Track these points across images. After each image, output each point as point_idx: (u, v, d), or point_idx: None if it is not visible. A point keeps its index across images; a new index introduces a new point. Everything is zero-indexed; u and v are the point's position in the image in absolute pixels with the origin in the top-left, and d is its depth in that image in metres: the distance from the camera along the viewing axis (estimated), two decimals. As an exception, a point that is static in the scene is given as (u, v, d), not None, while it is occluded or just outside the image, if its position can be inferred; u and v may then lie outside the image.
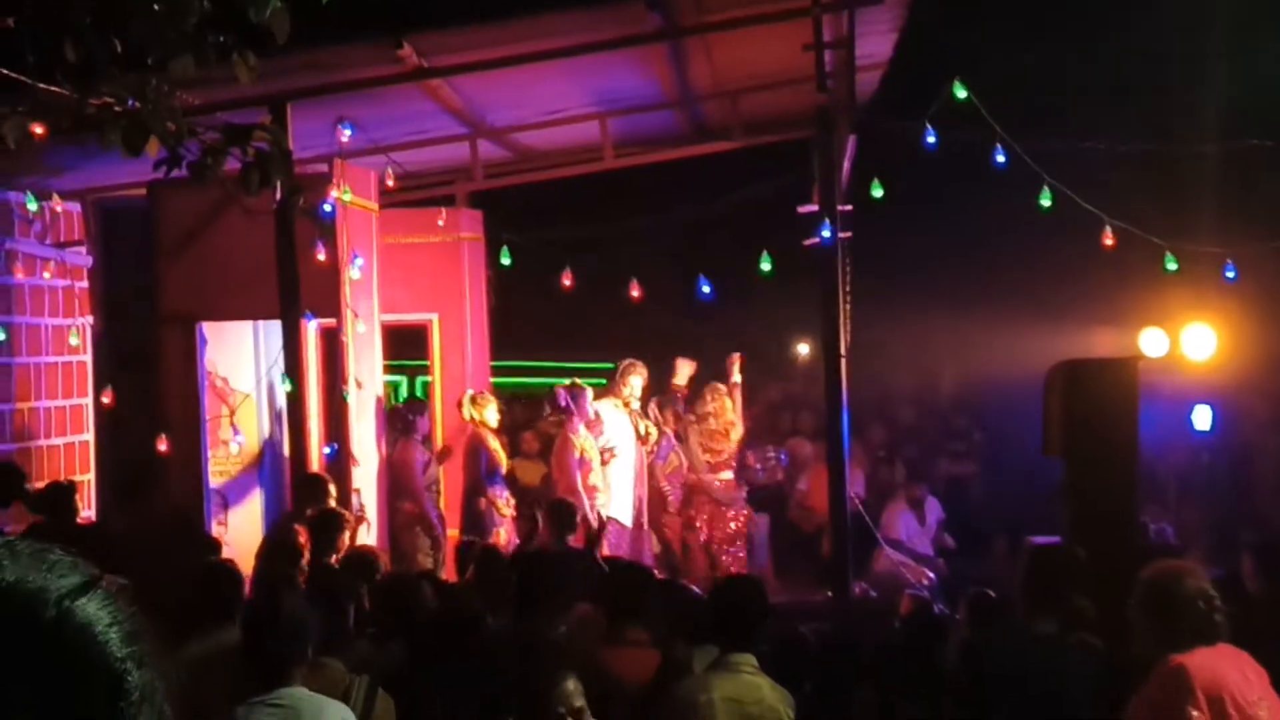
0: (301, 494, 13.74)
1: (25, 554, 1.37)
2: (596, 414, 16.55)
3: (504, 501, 16.46)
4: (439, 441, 17.48)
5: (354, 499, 14.38)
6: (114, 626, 1.37)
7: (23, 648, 1.31)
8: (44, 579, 1.36)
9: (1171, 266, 14.83)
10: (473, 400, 16.72)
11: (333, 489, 13.53)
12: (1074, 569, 8.42)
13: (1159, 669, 6.68)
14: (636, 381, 16.98)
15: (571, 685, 6.34)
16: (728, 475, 17.30)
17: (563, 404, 16.57)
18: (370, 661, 8.01)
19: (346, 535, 12.07)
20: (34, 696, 1.29)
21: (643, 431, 16.87)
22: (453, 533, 16.36)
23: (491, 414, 16.79)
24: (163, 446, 14.33)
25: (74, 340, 15.89)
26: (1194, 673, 6.55)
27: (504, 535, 15.94)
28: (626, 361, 17.12)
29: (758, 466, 18.20)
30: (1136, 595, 7.04)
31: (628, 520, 16.64)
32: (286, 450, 15.49)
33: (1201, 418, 16.84)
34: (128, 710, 1.35)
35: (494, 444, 16.59)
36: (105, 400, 15.23)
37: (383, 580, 10.01)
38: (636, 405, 16.97)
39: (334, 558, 11.34)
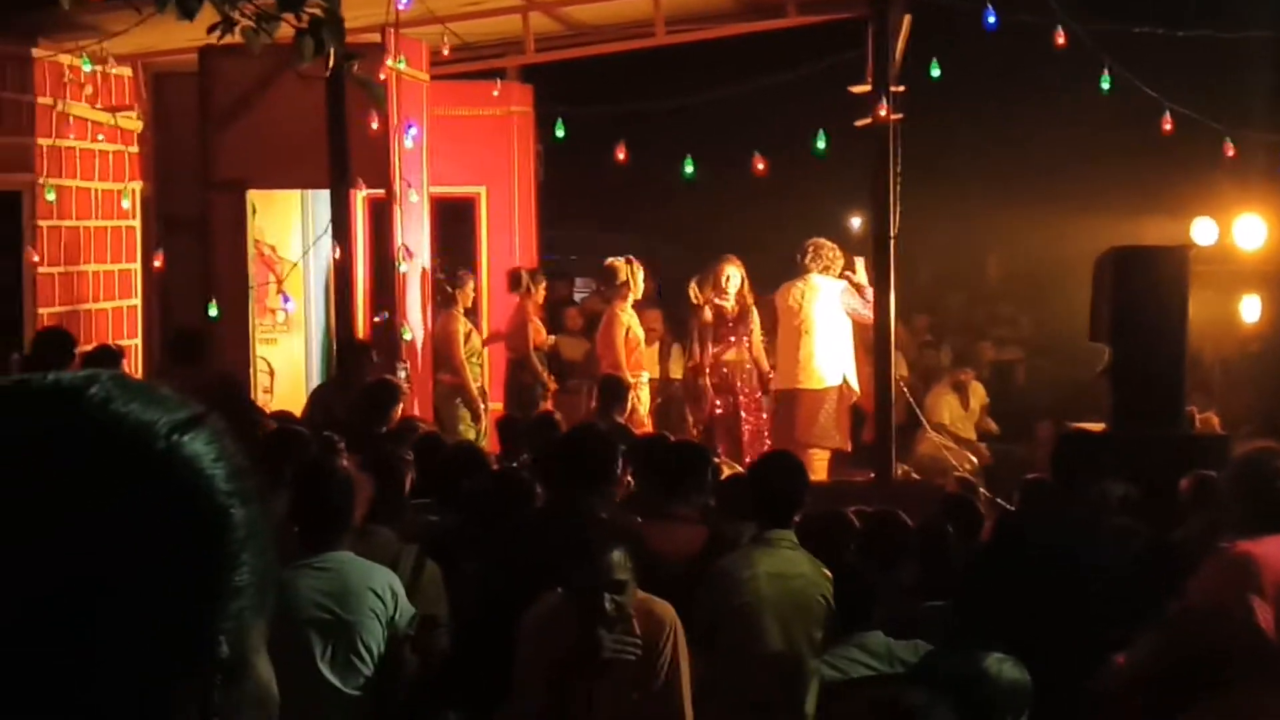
0: (347, 362, 13.79)
1: (135, 388, 1.39)
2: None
3: (546, 377, 16.47)
4: (484, 314, 17.49)
5: (400, 370, 14.41)
6: (220, 462, 1.38)
7: (132, 477, 1.32)
8: (154, 412, 1.37)
9: (1230, 153, 14.70)
10: (531, 275, 16.73)
11: (375, 358, 13.57)
12: (1100, 456, 8.40)
13: (1226, 554, 6.67)
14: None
15: (617, 557, 6.35)
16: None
17: (621, 278, 16.21)
18: (421, 531, 8.06)
19: (400, 407, 12.11)
20: (143, 527, 1.31)
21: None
22: (496, 406, 16.42)
23: (541, 292, 16.81)
24: (214, 310, 14.40)
25: (125, 204, 15.90)
26: (1260, 561, 6.52)
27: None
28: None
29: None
30: (1227, 473, 7.03)
31: None
32: (333, 319, 15.54)
33: (1250, 308, 16.76)
34: (232, 546, 1.36)
35: (538, 320, 16.62)
36: (155, 265, 15.26)
37: (442, 450, 10.05)
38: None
39: (384, 429, 11.38)
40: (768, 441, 15.71)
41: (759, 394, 16.39)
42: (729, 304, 16.35)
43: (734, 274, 16.40)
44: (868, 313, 15.06)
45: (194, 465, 1.36)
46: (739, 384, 16.29)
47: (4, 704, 1.27)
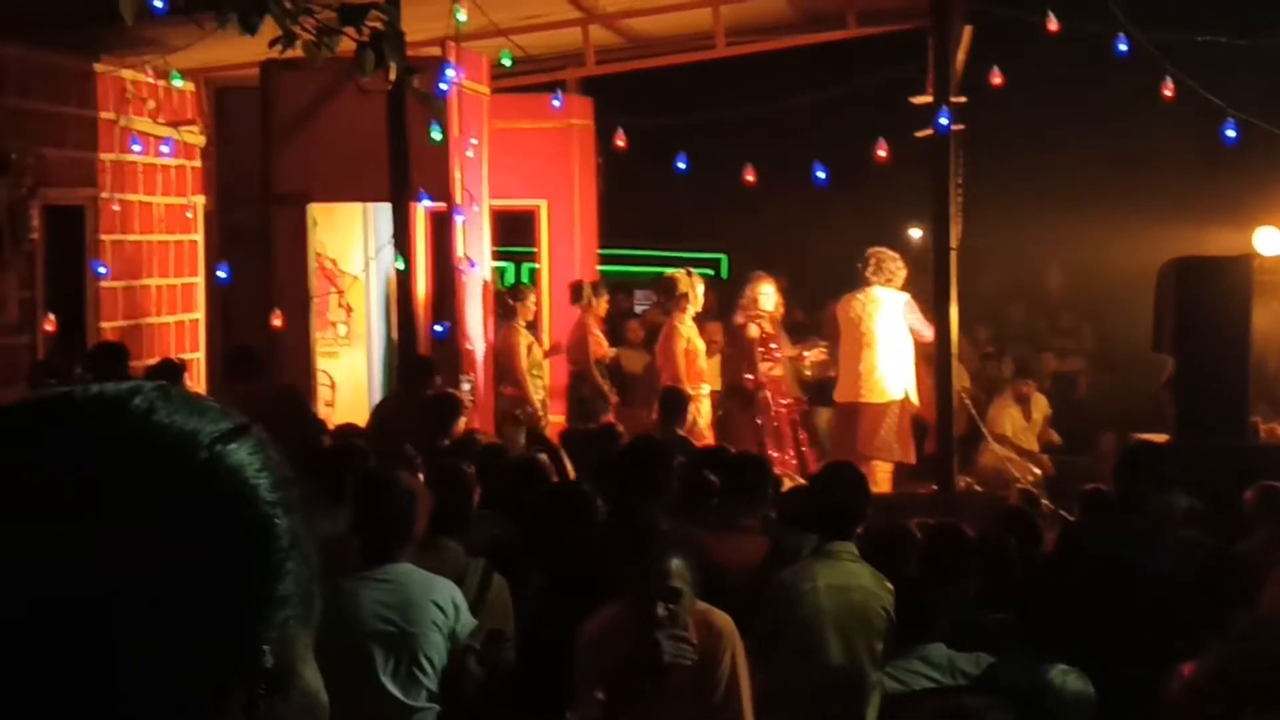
0: (410, 376, 13.82)
1: (179, 398, 1.39)
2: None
3: (608, 390, 16.50)
4: (545, 326, 17.51)
5: (464, 382, 14.44)
6: (264, 472, 1.38)
7: (175, 488, 1.33)
8: (197, 422, 1.37)
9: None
10: (593, 288, 16.77)
11: (438, 371, 13.60)
12: (1161, 467, 8.35)
13: None
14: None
15: (675, 565, 6.35)
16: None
17: (681, 290, 16.22)
18: (484, 544, 8.07)
19: (463, 420, 12.13)
20: (185, 537, 1.31)
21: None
22: (558, 419, 16.44)
23: (603, 304, 16.86)
24: (278, 321, 14.47)
25: (191, 215, 15.99)
26: None
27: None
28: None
29: (806, 361, 17.95)
30: None
31: None
32: (394, 332, 15.58)
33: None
34: (276, 555, 1.37)
35: (599, 332, 16.65)
36: (219, 278, 15.33)
37: (505, 462, 10.07)
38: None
39: (446, 442, 11.38)
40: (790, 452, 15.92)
41: (787, 405, 16.56)
42: (764, 322, 16.46)
43: (767, 291, 16.50)
44: (928, 331, 15.03)
45: (237, 475, 1.36)
46: (776, 398, 16.43)
47: (49, 712, 1.27)
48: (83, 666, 1.27)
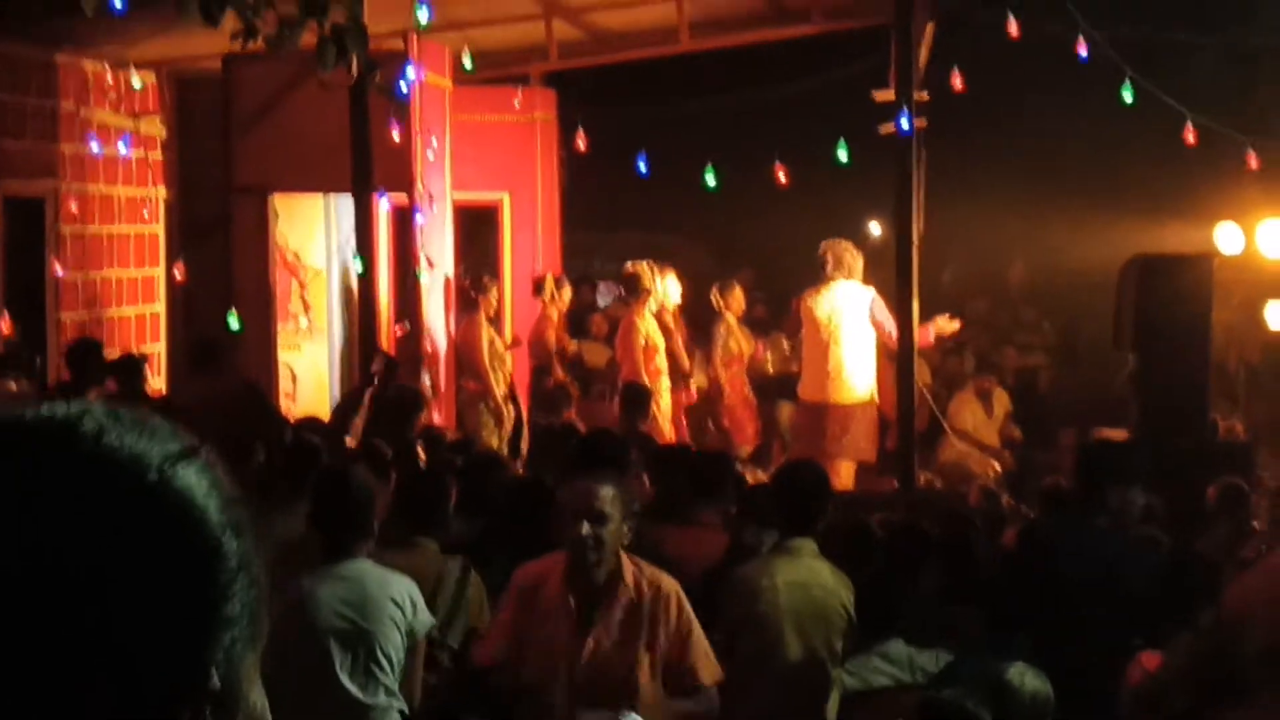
0: (369, 372, 13.79)
1: (127, 420, 1.40)
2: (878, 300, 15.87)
3: (569, 383, 16.52)
4: (508, 320, 17.49)
5: (424, 377, 14.42)
6: (212, 494, 1.39)
7: (123, 509, 1.33)
8: (145, 444, 1.38)
9: (1253, 164, 14.67)
10: (555, 281, 16.76)
11: (398, 365, 13.58)
12: (1121, 463, 8.38)
13: (1267, 562, 6.63)
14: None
15: (605, 491, 6.62)
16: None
17: (644, 284, 16.28)
18: (454, 539, 8.07)
19: (423, 415, 12.12)
20: (131, 559, 1.32)
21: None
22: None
23: (565, 298, 16.86)
24: (235, 323, 14.43)
25: (146, 211, 15.92)
26: None
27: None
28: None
29: (766, 356, 18.04)
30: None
31: None
32: (355, 326, 15.55)
33: (1275, 315, 16.69)
34: (224, 576, 1.37)
35: (560, 326, 16.67)
36: (177, 273, 15.28)
37: (466, 459, 10.08)
38: None
39: (408, 436, 11.36)
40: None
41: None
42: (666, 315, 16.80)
43: (671, 283, 16.78)
44: (894, 329, 14.99)
45: (185, 497, 1.37)
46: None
47: None
48: (30, 686, 1.27)
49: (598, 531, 6.50)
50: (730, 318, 17.38)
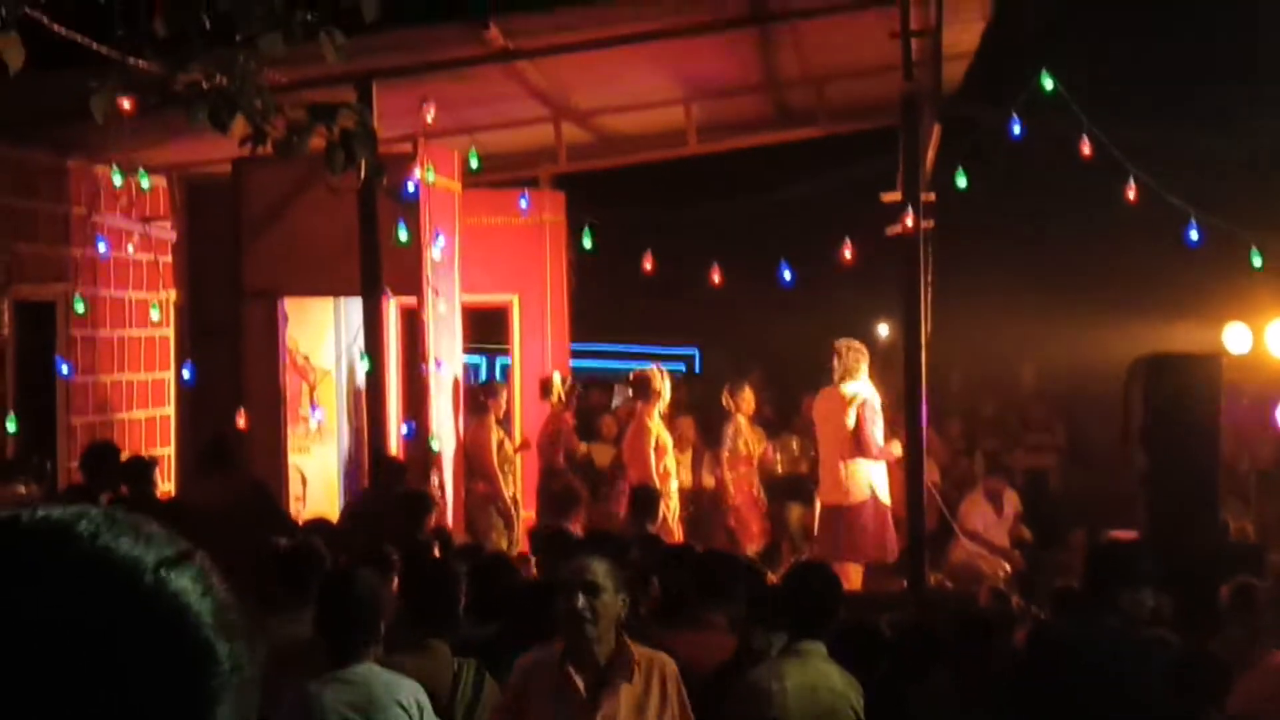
0: (380, 475, 13.80)
1: (123, 523, 1.41)
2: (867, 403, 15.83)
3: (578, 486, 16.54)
4: (517, 422, 17.51)
5: (433, 479, 14.42)
6: (206, 598, 1.40)
7: (116, 613, 1.35)
8: (142, 549, 1.39)
9: (1257, 262, 14.71)
10: (564, 383, 16.80)
11: (406, 468, 13.59)
12: (1131, 564, 8.34)
13: (1270, 662, 6.62)
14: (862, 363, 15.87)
15: (598, 565, 6.71)
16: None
17: (655, 386, 16.30)
18: (465, 642, 8.06)
19: (432, 516, 12.12)
20: (124, 661, 1.33)
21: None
22: (528, 515, 16.42)
23: (574, 400, 16.92)
24: (241, 421, 14.44)
25: (155, 314, 15.98)
26: None
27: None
28: (846, 342, 15.94)
29: (776, 457, 18.06)
30: (1272, 580, 7.03)
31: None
32: (365, 429, 15.57)
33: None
34: (216, 679, 1.38)
35: (569, 429, 16.68)
36: (185, 376, 15.32)
37: (478, 562, 10.06)
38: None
39: (419, 539, 11.34)
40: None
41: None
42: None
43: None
44: (874, 439, 15.10)
45: (179, 600, 1.38)
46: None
47: None
48: None
49: (592, 603, 6.58)
50: (741, 419, 17.39)
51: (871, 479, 15.50)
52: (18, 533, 1.39)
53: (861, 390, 15.53)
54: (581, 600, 6.55)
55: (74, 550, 1.37)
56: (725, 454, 17.27)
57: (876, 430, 15.34)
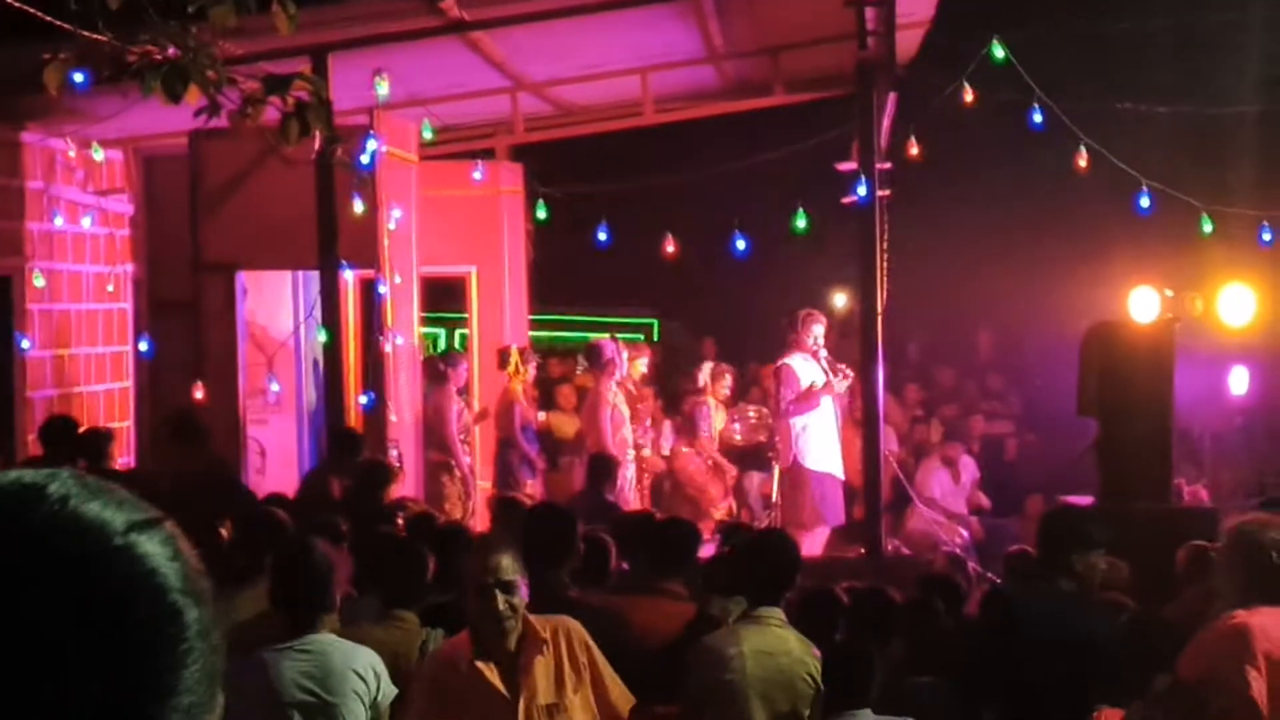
0: (337, 447, 13.81)
1: (94, 487, 1.42)
2: (784, 369, 15.96)
3: (535, 454, 16.61)
4: (475, 392, 17.54)
5: (391, 450, 14.44)
6: (174, 562, 1.42)
7: (84, 576, 1.36)
8: (112, 512, 1.40)
9: (1207, 228, 14.80)
10: (521, 354, 16.81)
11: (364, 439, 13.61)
12: (1085, 530, 8.40)
13: (1220, 625, 6.67)
14: (818, 329, 15.99)
15: (506, 561, 6.53)
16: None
17: (607, 356, 16.45)
18: (425, 610, 8.08)
19: (392, 487, 12.13)
20: (94, 621, 1.34)
21: (839, 378, 15.88)
22: (485, 485, 16.46)
23: (531, 370, 16.94)
24: (199, 394, 14.44)
25: (113, 288, 15.93)
26: (1256, 632, 6.51)
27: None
28: (805, 311, 16.19)
29: (735, 427, 18.12)
30: (1221, 544, 7.06)
31: (839, 471, 15.92)
32: (323, 400, 15.57)
33: (1238, 380, 16.77)
34: (183, 643, 1.40)
35: (524, 400, 16.71)
36: (143, 349, 15.28)
37: (434, 529, 10.09)
38: (823, 353, 15.91)
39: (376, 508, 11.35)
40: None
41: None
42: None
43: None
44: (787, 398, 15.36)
45: (148, 563, 1.40)
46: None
47: None
48: None
49: (511, 601, 6.47)
50: (712, 402, 17.60)
51: (821, 445, 15.59)
52: None
53: (790, 359, 15.69)
54: (502, 602, 6.44)
55: (45, 511, 1.38)
56: (705, 439, 17.42)
57: (787, 393, 15.50)
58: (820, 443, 15.65)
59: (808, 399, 15.53)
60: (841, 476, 15.73)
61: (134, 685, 1.35)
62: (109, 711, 1.33)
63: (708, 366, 18.20)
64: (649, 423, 17.63)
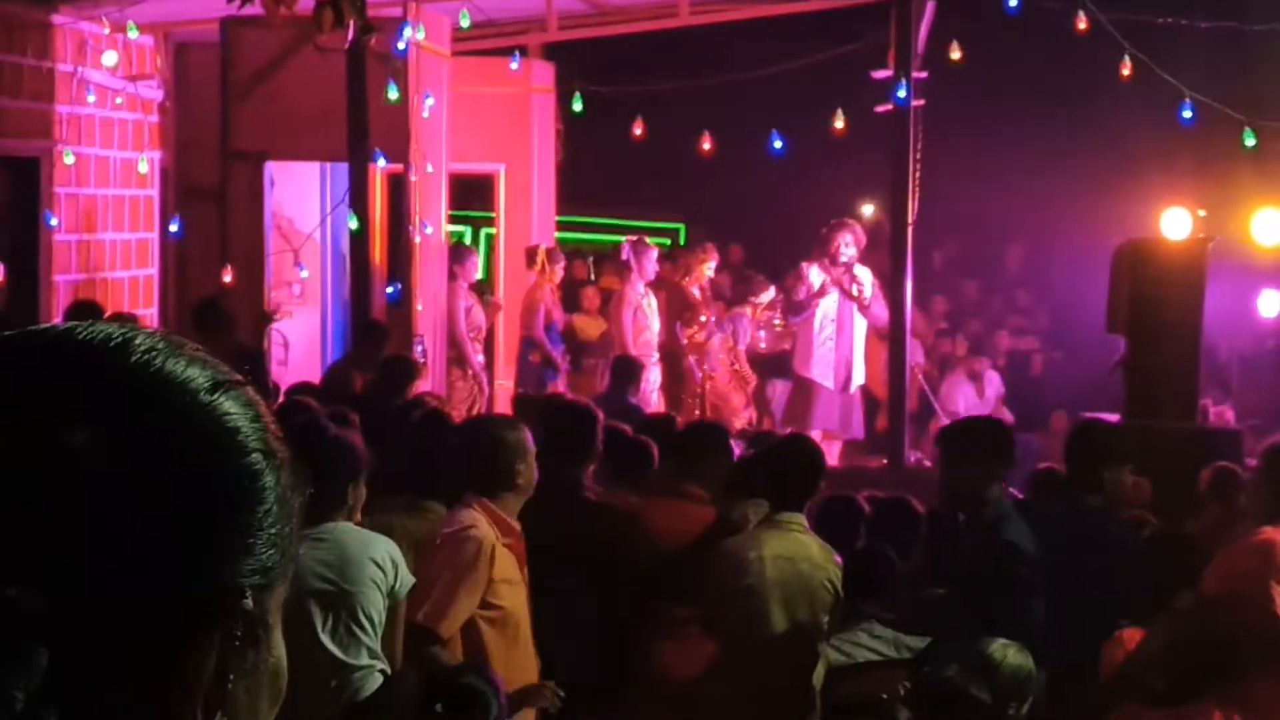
0: (362, 339, 13.79)
1: (179, 345, 1.41)
2: (798, 271, 15.97)
3: (559, 355, 16.58)
4: (500, 291, 17.51)
5: (416, 344, 14.41)
6: (256, 424, 1.41)
7: (171, 426, 1.35)
8: (197, 370, 1.39)
9: (1250, 142, 14.65)
10: (548, 254, 16.76)
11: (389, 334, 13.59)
12: (1113, 445, 8.36)
13: (1247, 540, 6.64)
14: (846, 237, 15.94)
15: None
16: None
17: (624, 257, 16.45)
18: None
19: (416, 382, 12.12)
20: (177, 476, 1.33)
21: (854, 292, 15.95)
22: (507, 384, 16.47)
23: (559, 271, 16.89)
24: (228, 277, 14.42)
25: (142, 170, 15.88)
26: None
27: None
28: (837, 220, 16.31)
29: (761, 334, 18.07)
30: (1260, 460, 7.04)
31: (830, 383, 15.96)
32: (348, 292, 15.54)
33: (1269, 303, 16.68)
34: (264, 502, 1.38)
35: (550, 300, 16.68)
36: (173, 230, 15.24)
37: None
38: (855, 264, 15.94)
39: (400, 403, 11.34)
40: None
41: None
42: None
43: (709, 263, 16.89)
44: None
45: (231, 421, 1.38)
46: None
47: (31, 640, 1.27)
48: (72, 596, 1.27)
49: None
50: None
51: (837, 356, 15.60)
52: (75, 344, 1.38)
53: (809, 264, 15.71)
54: None
55: (130, 366, 1.37)
56: (739, 349, 17.40)
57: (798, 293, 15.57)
58: (819, 352, 15.73)
59: (801, 307, 15.62)
60: (831, 385, 15.76)
61: (213, 540, 1.34)
62: (189, 566, 1.32)
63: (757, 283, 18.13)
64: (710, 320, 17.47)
